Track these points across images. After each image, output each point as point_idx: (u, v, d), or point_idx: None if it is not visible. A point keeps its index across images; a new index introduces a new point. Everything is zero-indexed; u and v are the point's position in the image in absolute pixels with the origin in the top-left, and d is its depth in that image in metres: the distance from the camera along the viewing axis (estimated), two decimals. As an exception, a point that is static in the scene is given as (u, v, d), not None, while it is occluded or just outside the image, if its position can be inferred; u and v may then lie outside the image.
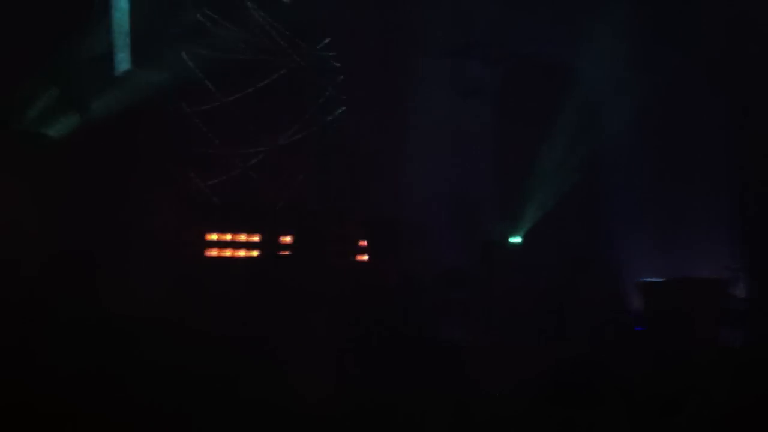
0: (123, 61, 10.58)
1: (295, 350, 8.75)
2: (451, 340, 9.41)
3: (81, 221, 9.43)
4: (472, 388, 6.87)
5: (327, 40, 11.94)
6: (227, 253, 11.07)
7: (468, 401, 6.62)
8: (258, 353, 8.62)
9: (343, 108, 12.01)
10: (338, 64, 12.01)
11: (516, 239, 12.41)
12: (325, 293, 10.25)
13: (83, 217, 9.50)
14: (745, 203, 11.98)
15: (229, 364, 7.93)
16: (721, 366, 7.79)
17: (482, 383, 7.01)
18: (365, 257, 11.62)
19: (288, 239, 11.19)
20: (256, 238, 11.19)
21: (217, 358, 7.87)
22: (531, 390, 6.59)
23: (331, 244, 11.30)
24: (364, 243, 11.64)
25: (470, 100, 12.31)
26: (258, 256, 11.13)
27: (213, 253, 11.03)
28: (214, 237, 11.07)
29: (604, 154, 12.11)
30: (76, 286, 8.48)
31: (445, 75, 12.17)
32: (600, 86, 12.06)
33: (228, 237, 11.11)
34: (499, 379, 7.00)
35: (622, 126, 11.83)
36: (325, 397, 7.04)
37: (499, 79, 12.61)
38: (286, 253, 11.15)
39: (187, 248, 10.74)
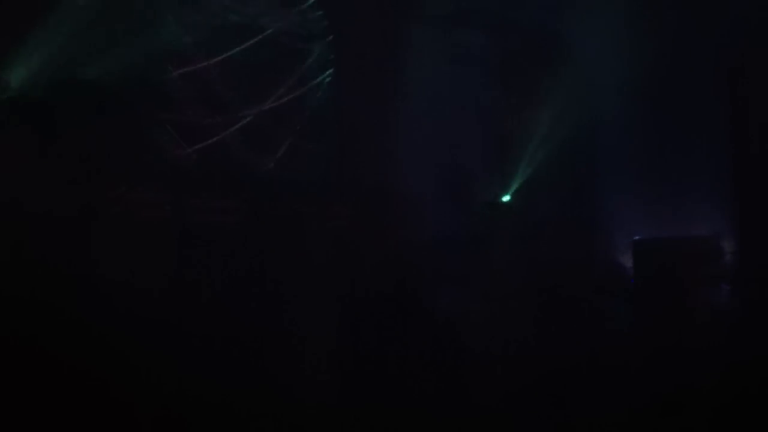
0: None
1: (285, 321, 8.70)
2: (446, 313, 9.40)
3: (63, 188, 9.13)
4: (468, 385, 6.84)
5: (312, 0, 11.49)
6: (212, 218, 10.89)
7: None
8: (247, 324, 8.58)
9: (330, 71, 11.69)
10: (325, 23, 11.62)
11: (506, 198, 12.40)
12: (310, 261, 10.17)
13: (65, 184, 9.21)
14: (738, 162, 12.02)
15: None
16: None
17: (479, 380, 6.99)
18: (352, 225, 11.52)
19: (273, 206, 11.04)
20: (238, 204, 10.98)
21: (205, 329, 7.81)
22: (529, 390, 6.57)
23: (315, 213, 11.18)
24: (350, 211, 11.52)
25: (464, 67, 12.09)
26: (241, 221, 10.96)
27: (196, 218, 10.83)
28: (197, 202, 10.84)
29: (598, 115, 12.03)
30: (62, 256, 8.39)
31: (438, 42, 11.89)
32: (594, 48, 11.95)
33: (211, 203, 10.89)
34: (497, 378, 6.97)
35: (617, 88, 11.76)
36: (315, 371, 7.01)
37: (493, 46, 12.39)
38: (270, 220, 11.01)
39: (170, 213, 10.55)
